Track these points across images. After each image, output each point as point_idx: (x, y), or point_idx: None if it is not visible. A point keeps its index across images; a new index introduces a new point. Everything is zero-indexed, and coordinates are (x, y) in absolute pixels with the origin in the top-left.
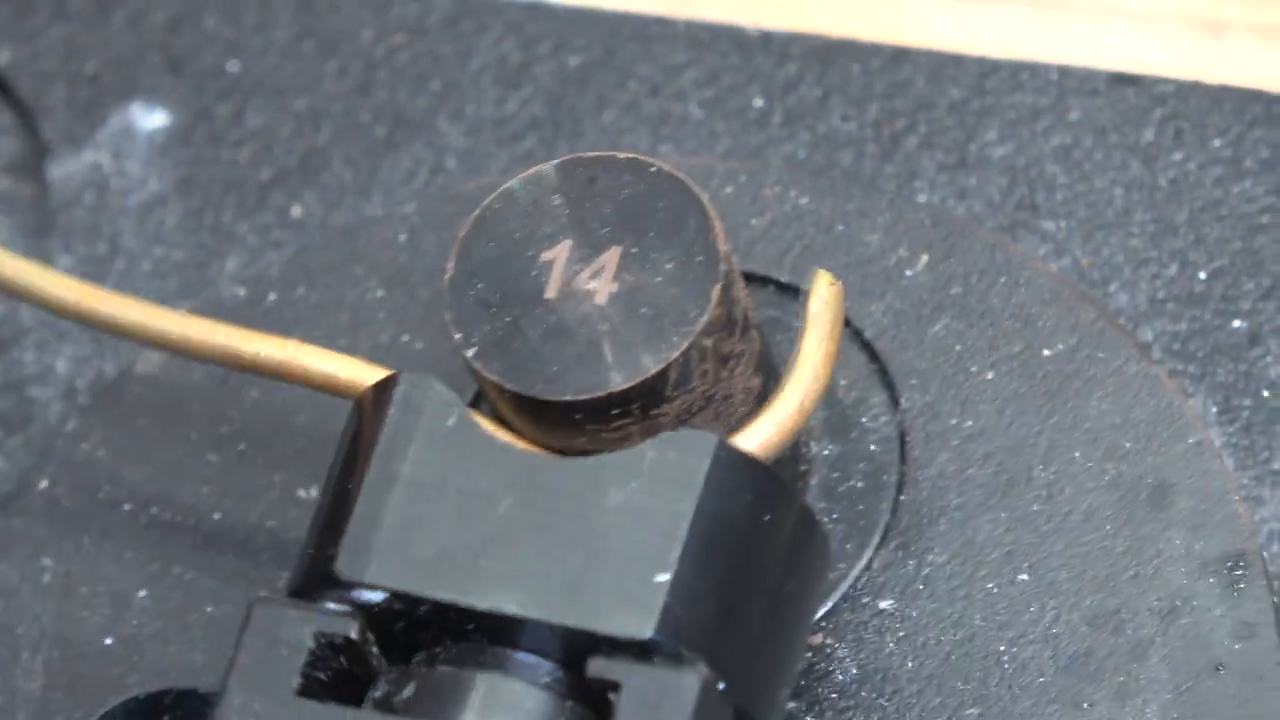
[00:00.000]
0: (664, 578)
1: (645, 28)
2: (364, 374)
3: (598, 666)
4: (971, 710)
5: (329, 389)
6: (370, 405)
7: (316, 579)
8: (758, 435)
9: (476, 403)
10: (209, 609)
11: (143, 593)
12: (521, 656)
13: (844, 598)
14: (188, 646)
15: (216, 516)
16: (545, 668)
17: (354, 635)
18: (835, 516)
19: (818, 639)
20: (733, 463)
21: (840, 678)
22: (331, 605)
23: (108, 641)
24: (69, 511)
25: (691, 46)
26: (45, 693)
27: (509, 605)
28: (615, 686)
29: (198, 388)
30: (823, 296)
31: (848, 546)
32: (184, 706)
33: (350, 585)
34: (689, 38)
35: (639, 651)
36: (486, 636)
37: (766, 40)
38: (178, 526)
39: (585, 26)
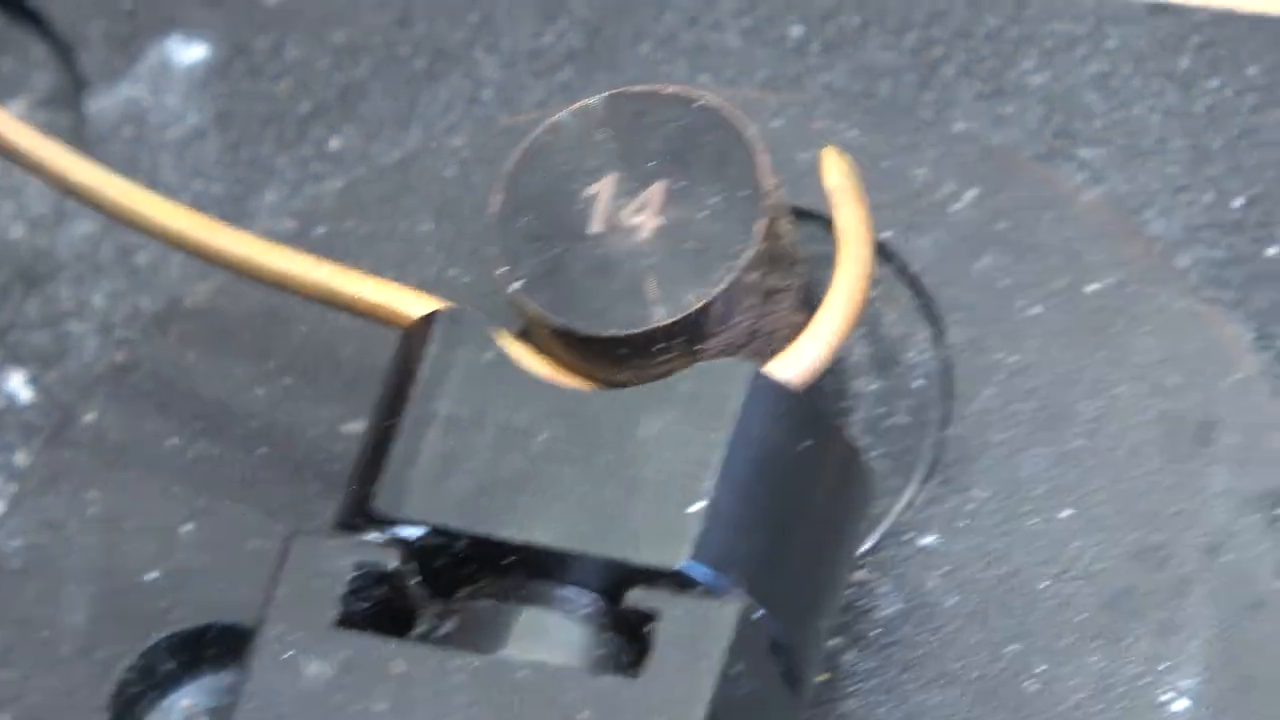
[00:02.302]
0: (698, 507)
1: None
2: (413, 304)
3: (635, 597)
4: (1013, 646)
5: (380, 318)
6: (411, 340)
7: (357, 515)
8: (794, 360)
9: (522, 338)
10: (255, 543)
11: (188, 527)
12: (561, 589)
13: (887, 533)
14: (233, 581)
15: (263, 451)
16: (585, 600)
17: (394, 566)
18: (879, 452)
19: (861, 574)
20: (768, 392)
21: (883, 613)
22: (372, 538)
23: (153, 575)
24: (115, 445)
25: None
26: (90, 626)
27: (545, 538)
28: (652, 617)
29: (245, 321)
30: (838, 168)
31: (891, 482)
32: (228, 641)
33: (388, 521)
34: None
35: (677, 582)
36: (526, 570)
37: None
38: (224, 461)
39: None
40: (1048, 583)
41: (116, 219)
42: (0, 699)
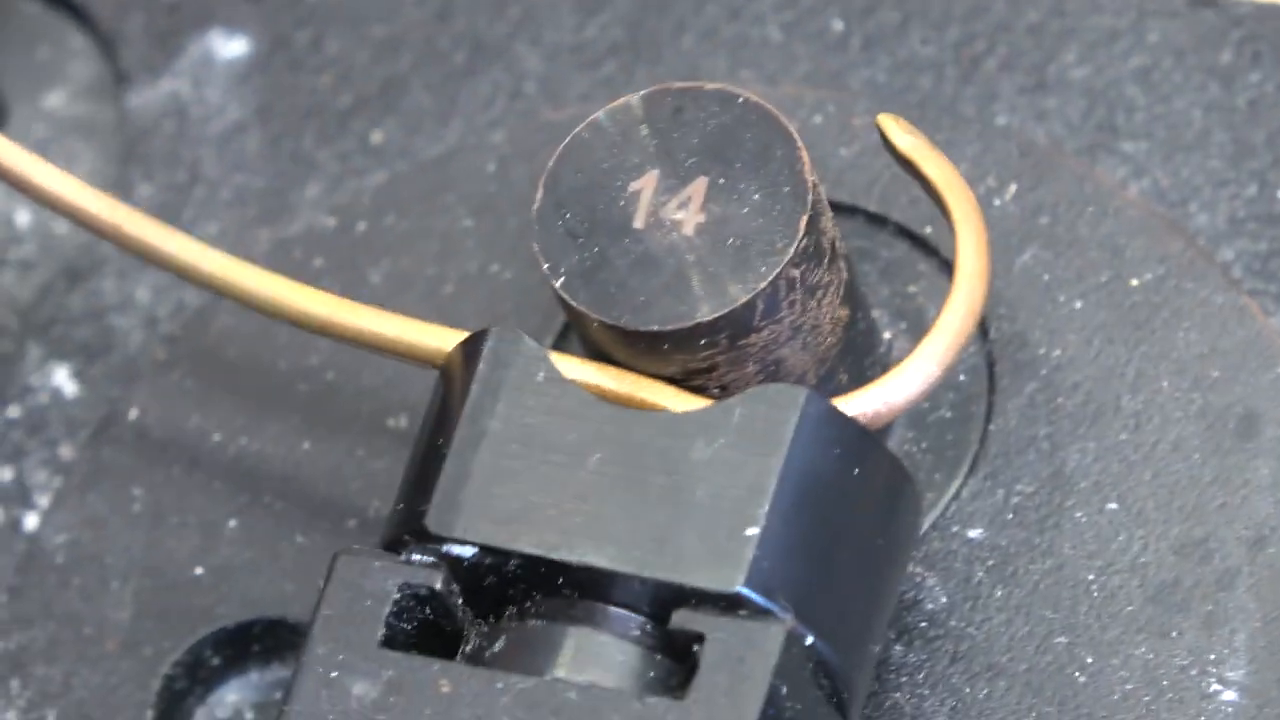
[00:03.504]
0: (753, 531)
1: None
2: (446, 340)
3: (682, 618)
4: (1060, 639)
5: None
6: (460, 360)
7: (407, 533)
8: (861, 405)
9: (565, 333)
10: (298, 539)
11: (232, 522)
12: (612, 611)
13: (933, 526)
14: (277, 576)
15: (305, 446)
16: (635, 621)
17: (439, 587)
18: (924, 446)
19: (907, 569)
20: (821, 417)
21: (929, 606)
22: (417, 558)
23: (197, 571)
24: (158, 441)
25: None
26: (135, 622)
27: (598, 559)
28: (700, 638)
29: None
30: (901, 129)
31: (936, 476)
32: (273, 636)
33: (440, 540)
34: None
35: (725, 605)
36: (576, 591)
37: None
38: (267, 456)
39: None
40: (1093, 576)
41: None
42: (46, 694)
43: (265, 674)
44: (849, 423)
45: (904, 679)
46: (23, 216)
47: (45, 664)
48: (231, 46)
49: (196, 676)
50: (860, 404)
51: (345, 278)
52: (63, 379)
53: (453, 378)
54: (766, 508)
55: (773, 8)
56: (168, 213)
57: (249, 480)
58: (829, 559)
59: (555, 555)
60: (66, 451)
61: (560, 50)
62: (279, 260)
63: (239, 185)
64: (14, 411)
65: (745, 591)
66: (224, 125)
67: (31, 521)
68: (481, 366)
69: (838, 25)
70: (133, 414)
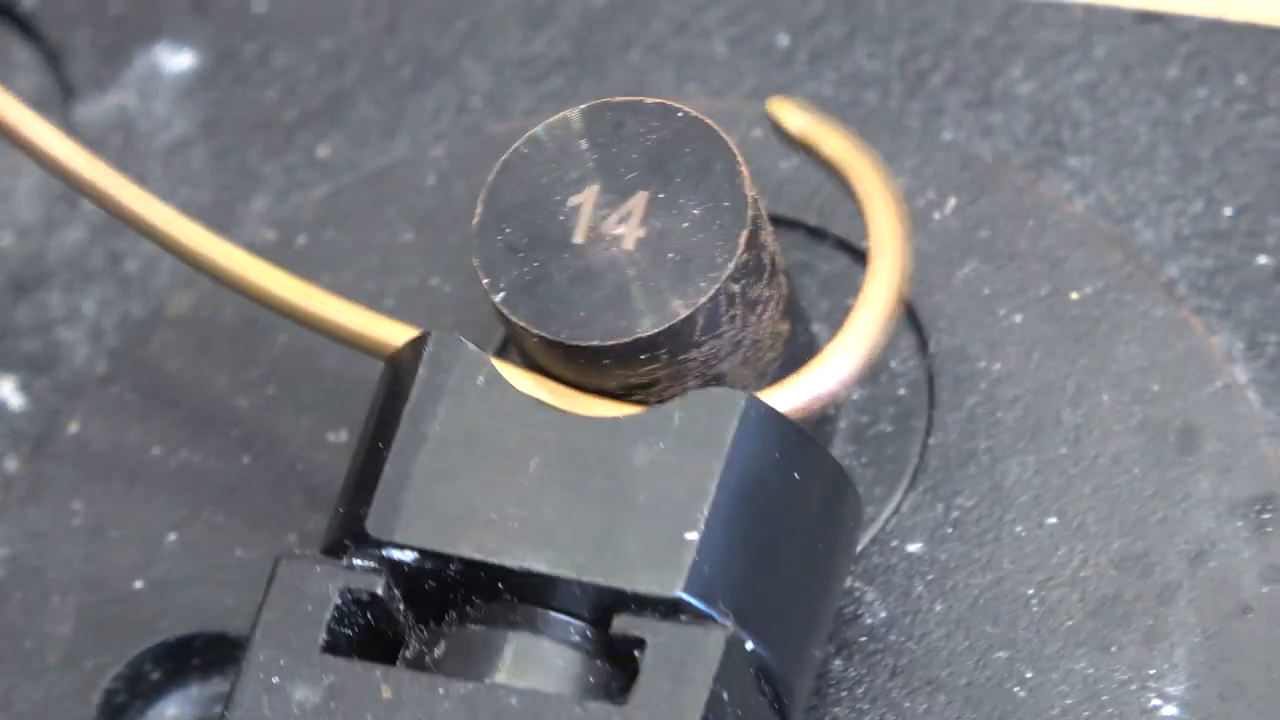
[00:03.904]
0: (693, 535)
1: None
2: (395, 333)
3: (623, 624)
4: (1000, 653)
5: (359, 346)
6: (401, 364)
7: (347, 537)
8: (791, 398)
9: (505, 348)
10: (239, 553)
11: (172, 536)
12: (552, 615)
13: (873, 540)
14: (218, 590)
15: (246, 460)
16: (575, 626)
17: (380, 592)
18: (864, 460)
19: (847, 581)
20: (762, 420)
21: (869, 621)
22: (358, 562)
23: (138, 585)
24: (99, 455)
25: None
26: (76, 636)
27: (538, 563)
28: (640, 644)
29: (227, 330)
30: (793, 112)
31: (876, 490)
32: (213, 650)
33: (380, 544)
34: None
35: (666, 609)
36: (516, 595)
37: None
38: (207, 470)
39: None
40: (1033, 590)
41: (112, 214)
42: None
43: (205, 688)
44: (789, 426)
45: (843, 693)
46: None
47: None
48: (178, 60)
49: (137, 690)
50: (788, 397)
51: None
52: (8, 391)
53: (393, 382)
54: (706, 511)
55: (719, 22)
56: (114, 225)
57: (189, 494)
58: (770, 563)
59: (495, 560)
60: (11, 464)
61: (507, 64)
62: None
63: (185, 198)
64: None
65: (685, 596)
66: (171, 138)
67: None
68: (422, 370)
69: (784, 40)
70: (73, 428)
